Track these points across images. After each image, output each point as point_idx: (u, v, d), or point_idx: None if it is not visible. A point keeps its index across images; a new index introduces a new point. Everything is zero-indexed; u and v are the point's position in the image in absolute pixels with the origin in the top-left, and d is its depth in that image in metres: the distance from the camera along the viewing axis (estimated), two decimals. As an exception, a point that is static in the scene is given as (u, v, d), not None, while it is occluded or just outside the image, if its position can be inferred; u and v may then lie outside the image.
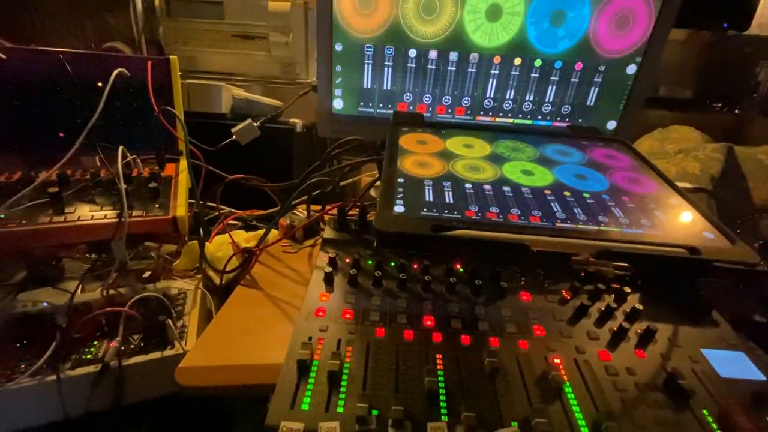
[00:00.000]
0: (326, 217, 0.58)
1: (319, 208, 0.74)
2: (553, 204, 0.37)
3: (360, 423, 0.32)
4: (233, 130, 0.92)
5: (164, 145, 0.70)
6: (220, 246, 0.75)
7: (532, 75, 0.61)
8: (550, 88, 0.62)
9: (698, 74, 1.24)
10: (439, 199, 0.35)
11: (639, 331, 0.42)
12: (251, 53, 1.08)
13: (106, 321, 0.54)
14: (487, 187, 0.38)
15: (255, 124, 0.94)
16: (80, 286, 0.58)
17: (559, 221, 0.35)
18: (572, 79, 0.62)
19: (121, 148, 0.61)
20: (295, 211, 0.79)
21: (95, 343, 0.52)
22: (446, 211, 0.34)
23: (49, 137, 0.64)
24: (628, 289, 0.47)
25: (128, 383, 0.49)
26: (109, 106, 0.62)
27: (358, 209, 0.54)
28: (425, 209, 0.33)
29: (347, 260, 0.50)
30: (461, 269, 0.49)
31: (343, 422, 0.32)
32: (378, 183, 0.62)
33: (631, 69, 0.61)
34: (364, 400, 0.33)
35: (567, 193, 0.39)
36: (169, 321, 0.53)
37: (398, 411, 0.32)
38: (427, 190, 0.35)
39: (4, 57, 0.60)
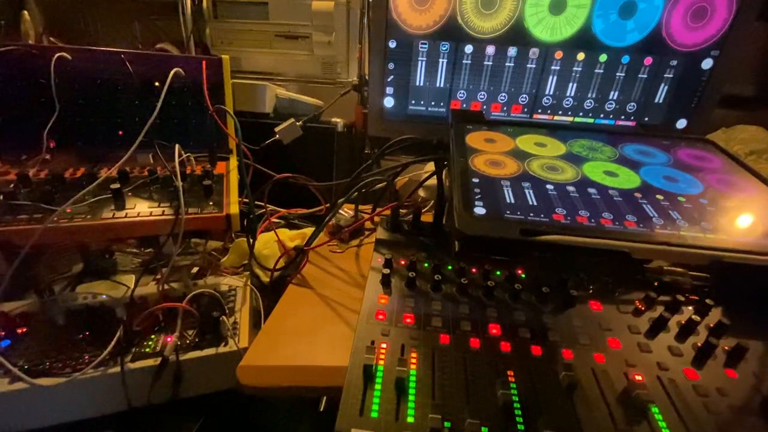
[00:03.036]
0: (377, 218, 0.57)
1: (364, 208, 0.73)
2: (646, 208, 0.34)
3: (433, 435, 0.30)
4: (276, 129, 0.93)
5: (216, 143, 0.71)
6: (266, 244, 0.76)
7: (596, 71, 0.58)
8: (615, 84, 0.59)
9: (762, 69, 1.15)
10: (521, 200, 0.33)
11: (727, 347, 0.39)
12: (294, 53, 1.09)
13: (162, 316, 0.55)
14: (570, 188, 0.36)
15: (297, 123, 0.94)
16: (135, 284, 0.59)
17: (657, 227, 0.32)
18: (640, 75, 0.58)
19: (177, 146, 0.62)
20: (340, 211, 0.78)
21: (153, 336, 0.53)
22: (531, 214, 0.32)
23: (108, 135, 0.66)
24: (710, 302, 0.43)
25: (185, 377, 0.50)
26: (164, 105, 0.64)
27: (405, 210, 0.53)
28: (508, 211, 0.31)
29: (402, 262, 0.48)
30: (523, 275, 0.47)
31: (416, 433, 0.30)
32: (427, 183, 0.61)
33: (707, 64, 0.57)
34: (436, 411, 0.31)
35: (660, 197, 0.36)
36: (224, 318, 0.54)
37: (474, 424, 0.30)
38: (506, 190, 0.33)
39: (69, 57, 0.63)
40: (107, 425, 0.49)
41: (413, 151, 0.63)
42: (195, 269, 0.74)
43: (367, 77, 1.11)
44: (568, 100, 0.60)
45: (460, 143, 0.39)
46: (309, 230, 0.79)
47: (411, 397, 0.33)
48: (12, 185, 0.55)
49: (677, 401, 0.34)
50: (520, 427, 0.31)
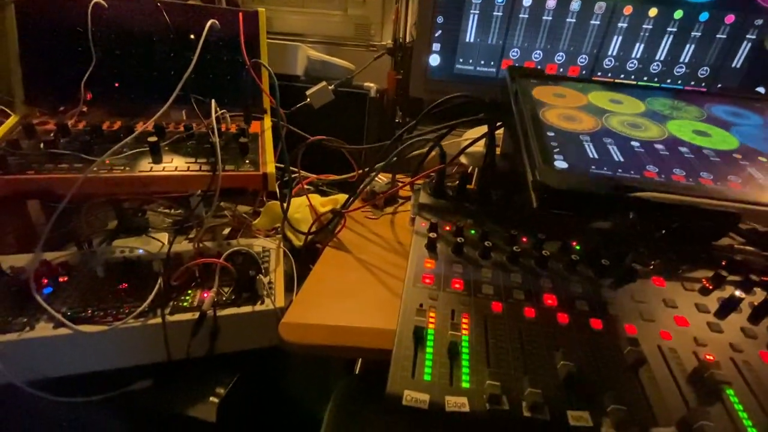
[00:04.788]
0: (418, 183, 0.54)
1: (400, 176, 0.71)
2: (750, 170, 0.31)
3: (492, 402, 0.29)
4: (308, 92, 0.90)
5: (251, 101, 0.69)
6: (298, 208, 0.75)
7: (669, 29, 0.52)
8: (688, 45, 0.53)
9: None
10: (606, 156, 0.30)
11: (807, 333, 0.36)
12: (327, 12, 1.04)
13: (199, 272, 0.54)
14: (658, 146, 0.32)
15: (330, 87, 0.91)
16: (171, 240, 0.59)
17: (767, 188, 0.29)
18: (718, 35, 0.52)
19: (213, 101, 0.61)
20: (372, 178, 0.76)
21: (189, 292, 0.53)
22: (620, 170, 0.29)
23: (144, 88, 0.65)
24: (787, 283, 0.39)
25: (221, 333, 0.50)
26: (199, 59, 0.61)
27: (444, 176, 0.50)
28: (593, 167, 0.28)
29: (447, 228, 0.46)
30: (578, 247, 0.44)
31: (471, 399, 0.29)
32: (470, 149, 0.58)
33: (797, 23, 0.51)
34: (494, 378, 0.30)
35: (763, 159, 0.33)
36: (260, 276, 0.53)
37: (535, 394, 0.29)
38: (587, 146, 0.30)
39: (105, 5, 0.61)
40: (146, 375, 0.50)
41: (454, 118, 0.59)
42: (227, 230, 0.74)
43: (401, 40, 1.06)
44: (632, 63, 0.55)
45: (528, 97, 0.35)
46: (340, 196, 0.78)
47: (465, 363, 0.31)
48: (52, 134, 0.55)
49: (754, 384, 0.31)
50: (584, 399, 0.29)
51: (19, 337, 0.45)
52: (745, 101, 0.41)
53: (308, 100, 0.89)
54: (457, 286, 0.38)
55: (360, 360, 0.55)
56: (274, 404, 0.62)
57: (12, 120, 0.58)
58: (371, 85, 1.01)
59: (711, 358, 0.33)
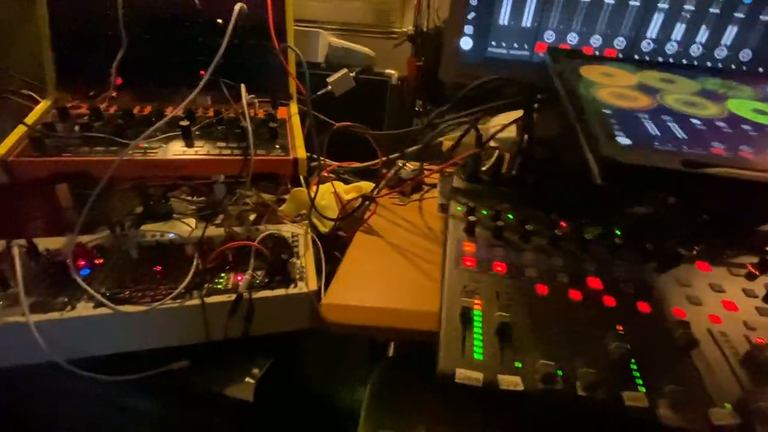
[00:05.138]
0: (449, 169, 0.54)
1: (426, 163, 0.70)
2: None
3: (546, 381, 0.29)
4: (329, 80, 0.89)
5: (278, 87, 0.69)
6: (322, 195, 0.74)
7: (711, 10, 0.51)
8: (731, 27, 0.52)
9: None
10: (668, 133, 0.29)
11: None
12: (347, -1, 1.03)
13: (232, 255, 0.55)
14: (720, 123, 0.32)
15: (351, 74, 0.90)
16: (206, 224, 0.59)
17: None
18: (763, 17, 0.51)
19: (242, 86, 0.61)
20: (399, 165, 0.75)
21: (223, 275, 0.53)
22: (684, 147, 0.28)
23: (173, 73, 0.65)
24: (837, 270, 0.39)
25: (256, 315, 0.50)
26: (228, 43, 0.61)
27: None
28: (656, 143, 0.28)
29: (483, 212, 0.46)
30: (618, 231, 0.43)
31: (525, 378, 0.29)
32: (500, 135, 0.57)
33: None
34: (547, 357, 0.30)
35: None
36: (293, 260, 0.53)
37: (589, 373, 0.29)
38: (646, 123, 0.29)
39: (135, -11, 0.61)
40: (183, 356, 0.51)
41: (483, 102, 0.58)
42: (253, 216, 0.74)
43: (423, 27, 1.04)
44: (672, 45, 0.54)
45: (577, 75, 0.35)
46: (364, 184, 0.77)
47: (516, 343, 0.31)
48: (86, 118, 0.55)
49: (809, 368, 0.31)
50: (639, 381, 0.29)
51: (61, 316, 0.46)
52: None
53: (329, 87, 0.89)
54: (499, 268, 0.38)
55: (392, 344, 0.56)
56: (305, 387, 0.63)
57: (44, 104, 0.59)
58: (392, 72, 1.00)
59: (762, 341, 0.33)
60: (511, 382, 0.28)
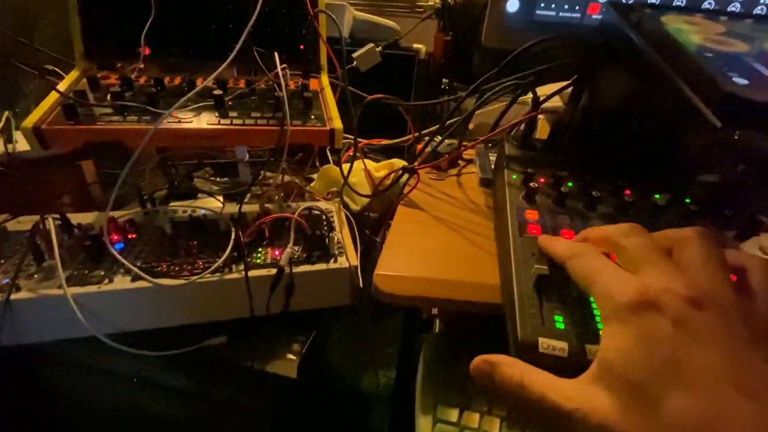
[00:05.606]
0: (501, 136, 0.51)
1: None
2: None
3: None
4: (354, 55, 0.86)
5: (310, 57, 0.66)
6: (353, 173, 0.72)
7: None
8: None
9: None
10: None
11: None
12: (372, -29, 0.99)
13: (268, 230, 0.53)
14: None
15: (377, 49, 0.87)
16: (241, 200, 0.57)
17: None
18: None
19: (276, 54, 0.58)
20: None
21: (260, 249, 0.51)
22: None
23: (202, 42, 0.62)
24: None
25: (296, 291, 0.49)
26: (259, 11, 0.58)
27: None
28: None
29: (541, 180, 0.43)
30: (688, 200, 0.40)
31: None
32: (551, 101, 0.53)
33: None
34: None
35: None
36: (332, 234, 0.51)
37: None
38: (756, 65, 0.26)
39: (162, -47, 0.58)
40: (222, 331, 0.49)
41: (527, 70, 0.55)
42: (281, 194, 0.72)
43: (450, 0, 1.00)
44: (735, 4, 0.50)
45: (660, 23, 0.31)
46: (396, 161, 0.75)
47: (596, 312, 0.29)
48: (117, 87, 0.53)
49: None
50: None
51: (99, 289, 0.45)
52: None
53: (354, 63, 0.86)
54: (568, 237, 0.36)
55: (437, 321, 0.54)
56: (350, 362, 0.62)
57: (74, 74, 0.57)
58: (420, 46, 0.96)
59: None
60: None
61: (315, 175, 0.75)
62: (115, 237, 0.52)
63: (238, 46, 0.55)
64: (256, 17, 0.56)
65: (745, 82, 0.24)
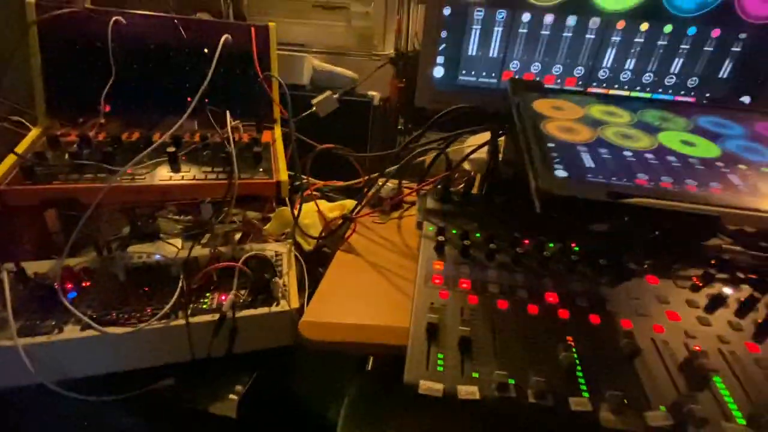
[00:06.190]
0: (424, 189, 0.57)
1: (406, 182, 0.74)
2: (730, 177, 0.34)
3: (500, 390, 0.31)
4: (313, 101, 0.93)
5: (263, 111, 0.72)
6: (306, 214, 0.77)
7: (659, 42, 0.56)
8: (677, 57, 0.56)
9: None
10: (601, 165, 0.33)
11: (789, 325, 0.38)
12: (331, 24, 1.08)
13: (216, 275, 0.57)
14: (648, 155, 0.35)
15: (334, 96, 0.94)
16: (192, 245, 0.61)
17: (745, 194, 0.32)
18: (705, 48, 0.56)
19: (227, 112, 0.64)
20: (379, 184, 0.79)
21: (208, 295, 0.55)
22: (614, 178, 0.32)
23: (160, 100, 0.68)
24: (772, 280, 0.42)
25: (240, 334, 0.52)
26: (214, 72, 0.64)
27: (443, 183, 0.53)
28: (590, 175, 0.32)
29: (453, 231, 0.49)
30: (577, 248, 0.47)
31: (481, 387, 0.32)
32: (472, 156, 0.61)
33: (778, 37, 0.54)
34: (502, 368, 0.32)
35: (743, 167, 0.36)
36: (276, 279, 0.56)
37: (539, 382, 0.31)
38: (584, 155, 0.33)
39: (124, 21, 0.64)
40: (168, 374, 0.52)
41: (458, 126, 0.62)
42: (238, 235, 0.77)
43: (404, 50, 1.09)
44: (626, 74, 0.59)
45: (529, 109, 0.38)
46: (348, 202, 0.80)
47: (475, 355, 0.34)
48: (75, 146, 0.57)
49: (739, 372, 0.34)
50: (583, 387, 0.32)
51: (49, 339, 0.48)
52: (729, 112, 0.44)
53: (314, 108, 0.92)
54: (464, 285, 0.41)
55: (371, 358, 0.58)
56: (289, 402, 0.65)
57: (35, 132, 0.61)
58: (374, 93, 1.04)
59: (699, 348, 0.36)
60: (468, 391, 0.31)
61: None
62: (69, 285, 0.55)
63: (191, 105, 0.60)
64: (211, 77, 0.62)
65: (564, 174, 0.30)
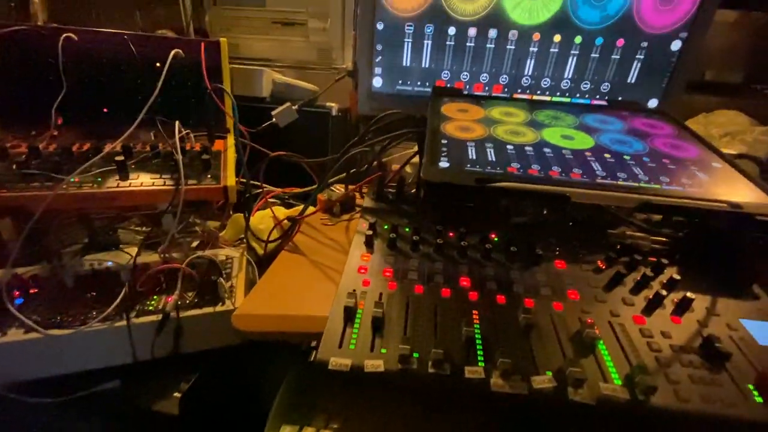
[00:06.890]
0: (365, 189, 0.61)
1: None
2: (593, 164, 0.38)
3: (402, 362, 0.34)
4: (273, 113, 0.97)
5: (214, 121, 0.75)
6: (262, 219, 0.80)
7: (572, 52, 0.61)
8: (589, 65, 0.62)
9: (748, 58, 1.18)
10: (482, 157, 0.37)
11: (675, 299, 0.43)
12: (290, 39, 1.12)
13: (164, 279, 0.59)
14: (528, 148, 0.40)
15: (293, 107, 0.98)
16: (139, 250, 0.63)
17: (599, 178, 0.36)
18: (613, 56, 0.61)
19: (177, 122, 0.66)
20: (333, 188, 0.82)
21: (155, 297, 0.57)
22: (488, 168, 0.36)
23: (112, 112, 0.70)
24: (665, 261, 0.47)
25: (185, 333, 0.54)
26: (165, 85, 0.67)
27: (394, 183, 0.57)
28: (469, 165, 0.35)
29: (385, 226, 0.52)
30: (496, 239, 0.51)
31: (387, 361, 0.35)
32: (415, 159, 0.65)
33: (676, 45, 0.60)
34: (405, 343, 0.35)
35: (607, 155, 0.40)
36: (221, 280, 0.58)
37: (438, 353, 0.35)
38: (470, 149, 0.36)
39: (75, 38, 0.66)
40: (114, 376, 0.53)
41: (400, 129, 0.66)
42: (195, 243, 0.79)
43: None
44: (545, 81, 0.64)
45: (436, 112, 0.42)
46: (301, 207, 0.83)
47: (386, 335, 0.37)
48: (24, 156, 0.59)
49: (623, 339, 0.38)
50: (480, 357, 0.35)
51: (-8, 343, 0.49)
52: (616, 111, 0.49)
53: (274, 119, 0.96)
54: (387, 274, 0.44)
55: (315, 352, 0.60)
56: (233, 398, 0.66)
57: (-15, 144, 0.62)
58: (333, 104, 1.08)
59: (590, 321, 0.40)
60: (373, 365, 0.34)
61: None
62: (17, 293, 0.56)
63: (140, 116, 0.63)
64: (160, 89, 0.65)
65: (446, 165, 0.34)
